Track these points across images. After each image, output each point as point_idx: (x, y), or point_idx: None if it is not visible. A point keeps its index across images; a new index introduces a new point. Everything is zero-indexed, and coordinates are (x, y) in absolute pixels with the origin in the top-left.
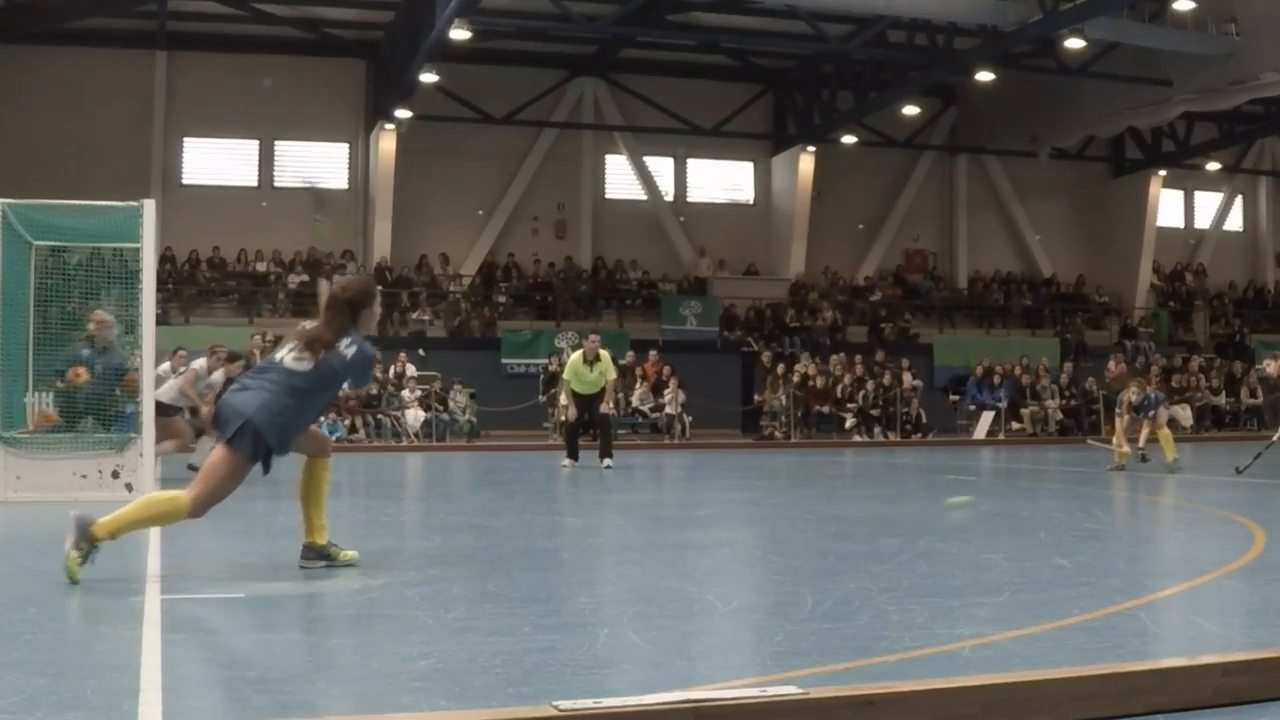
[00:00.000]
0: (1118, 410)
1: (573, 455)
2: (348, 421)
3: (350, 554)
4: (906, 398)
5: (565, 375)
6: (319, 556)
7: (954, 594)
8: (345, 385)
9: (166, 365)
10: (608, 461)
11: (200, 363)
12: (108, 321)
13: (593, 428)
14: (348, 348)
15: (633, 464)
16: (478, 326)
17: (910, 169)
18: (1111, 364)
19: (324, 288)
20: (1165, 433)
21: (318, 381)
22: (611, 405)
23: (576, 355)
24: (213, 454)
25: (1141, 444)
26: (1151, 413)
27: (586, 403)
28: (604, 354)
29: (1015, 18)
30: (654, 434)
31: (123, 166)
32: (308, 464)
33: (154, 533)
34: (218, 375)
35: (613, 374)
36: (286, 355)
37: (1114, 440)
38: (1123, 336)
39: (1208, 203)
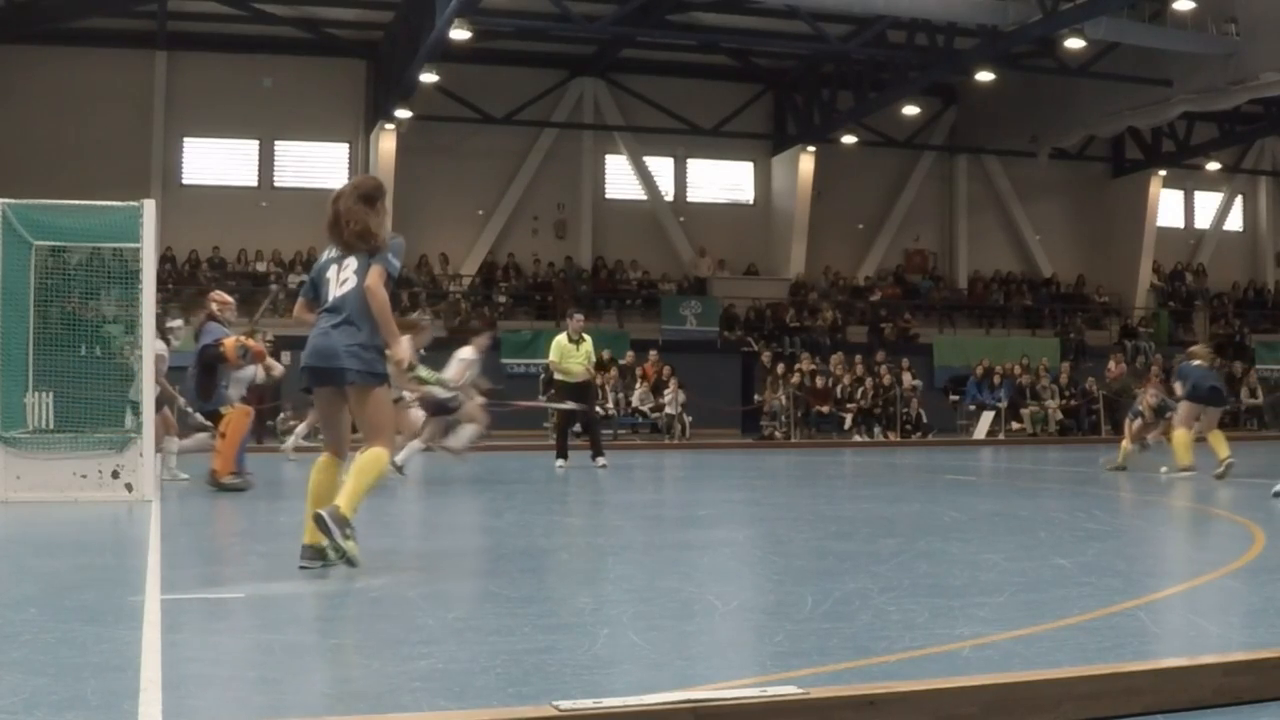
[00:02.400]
0: (1136, 414)
1: (563, 455)
2: None
3: (353, 547)
4: (906, 398)
5: (552, 356)
6: (317, 556)
7: (954, 594)
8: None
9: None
10: (601, 460)
11: (159, 345)
12: (229, 303)
13: (583, 425)
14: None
15: (633, 464)
16: (478, 327)
17: (910, 169)
18: (1111, 364)
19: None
20: (1180, 434)
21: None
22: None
23: (561, 335)
24: (371, 399)
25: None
26: (1169, 414)
27: (574, 394)
28: (586, 336)
29: (1015, 18)
30: (654, 434)
31: (123, 166)
32: (322, 461)
33: (154, 533)
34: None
35: (592, 357)
36: (336, 286)
37: (1122, 444)
38: (1123, 336)
39: (1208, 203)
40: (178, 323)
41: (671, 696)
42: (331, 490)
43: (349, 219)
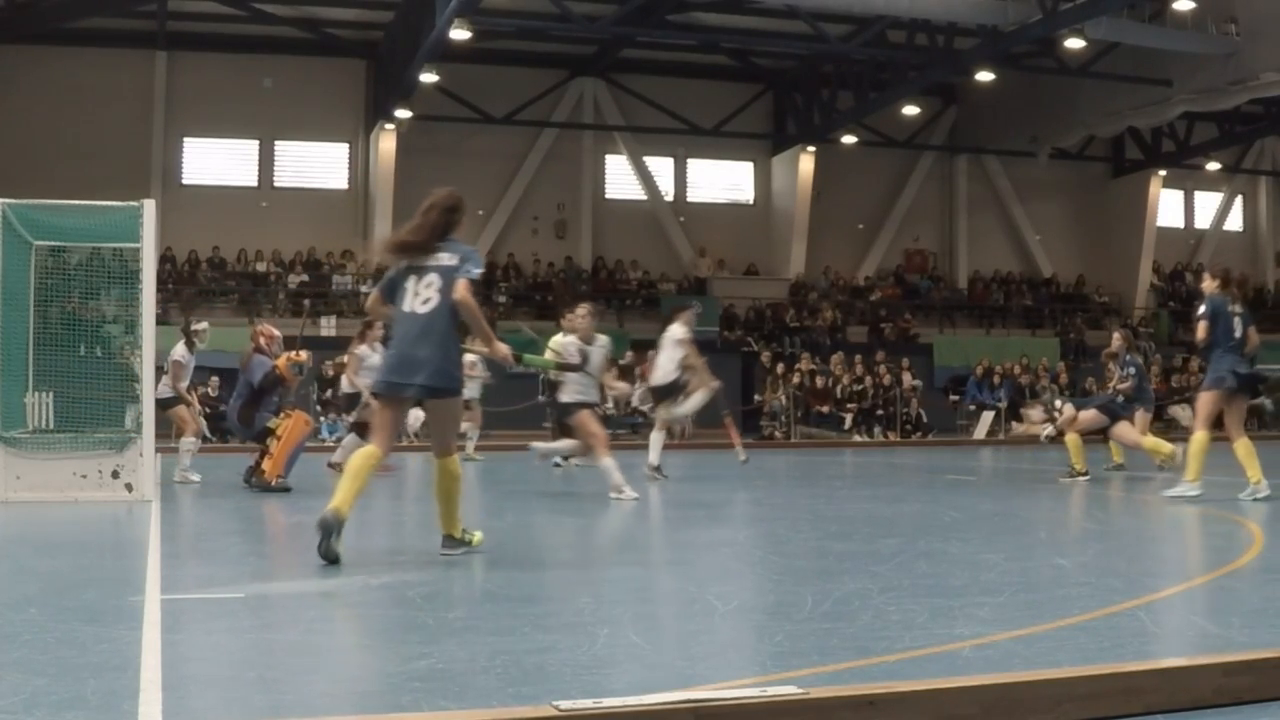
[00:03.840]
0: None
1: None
2: (347, 421)
3: (478, 536)
4: (906, 398)
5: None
6: (457, 544)
7: (954, 594)
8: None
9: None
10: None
11: (180, 349)
12: (275, 337)
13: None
14: (452, 250)
15: (633, 464)
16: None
17: (910, 169)
18: (1117, 335)
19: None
20: (1151, 441)
21: (452, 309)
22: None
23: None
24: (447, 410)
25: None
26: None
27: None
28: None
29: (1015, 18)
30: None
31: (123, 166)
32: (439, 463)
33: (154, 533)
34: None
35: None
36: (415, 301)
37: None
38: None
39: (1208, 203)
40: (202, 325)
41: (671, 696)
42: (455, 484)
43: (435, 226)
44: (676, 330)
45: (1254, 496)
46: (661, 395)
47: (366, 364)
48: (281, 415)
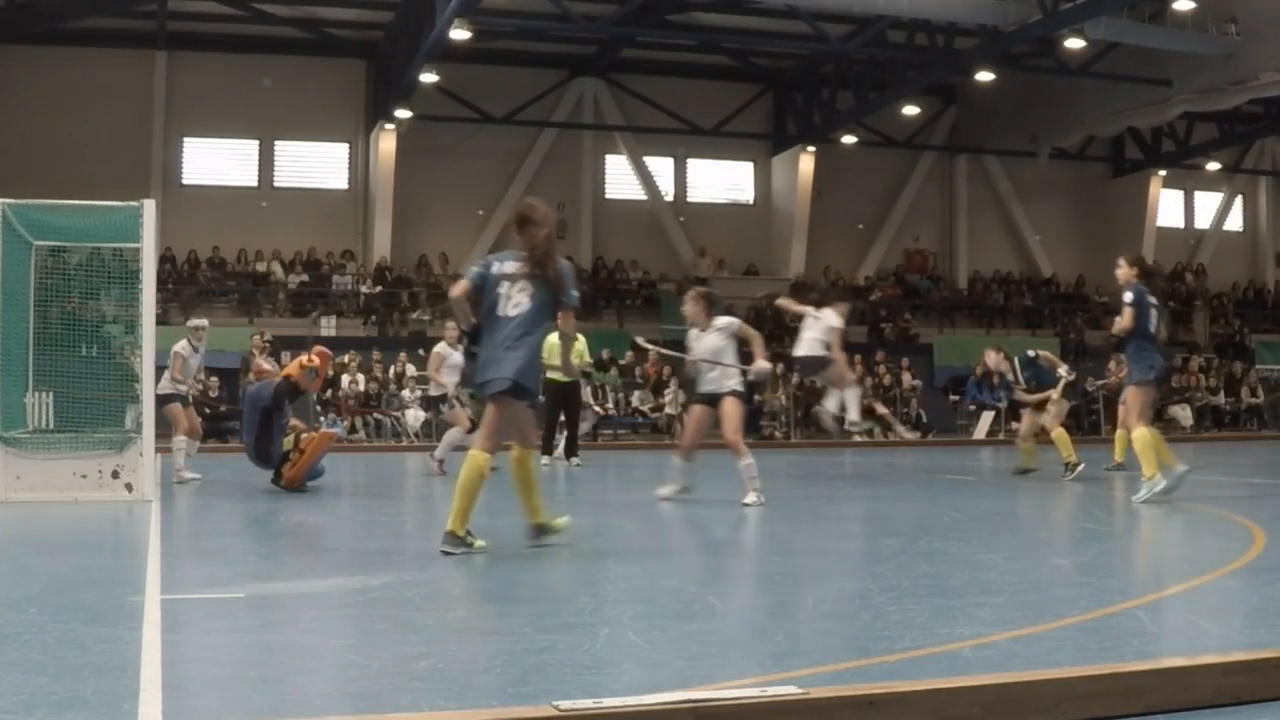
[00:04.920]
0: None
1: (548, 451)
2: (347, 421)
3: (562, 521)
4: (906, 398)
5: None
6: (541, 533)
7: (954, 594)
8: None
9: None
10: (575, 460)
11: (183, 345)
12: (267, 372)
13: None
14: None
15: (633, 464)
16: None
17: (910, 169)
18: (1113, 364)
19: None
20: (1059, 433)
21: (540, 315)
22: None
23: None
24: (519, 410)
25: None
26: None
27: (561, 394)
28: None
29: (1015, 18)
30: (654, 434)
31: (123, 166)
32: (515, 455)
33: (154, 533)
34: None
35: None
36: (508, 305)
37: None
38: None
39: (1208, 203)
40: (199, 322)
41: (671, 696)
42: (523, 477)
43: (546, 249)
44: (833, 318)
45: (1151, 492)
46: (810, 368)
47: (448, 363)
48: (293, 432)
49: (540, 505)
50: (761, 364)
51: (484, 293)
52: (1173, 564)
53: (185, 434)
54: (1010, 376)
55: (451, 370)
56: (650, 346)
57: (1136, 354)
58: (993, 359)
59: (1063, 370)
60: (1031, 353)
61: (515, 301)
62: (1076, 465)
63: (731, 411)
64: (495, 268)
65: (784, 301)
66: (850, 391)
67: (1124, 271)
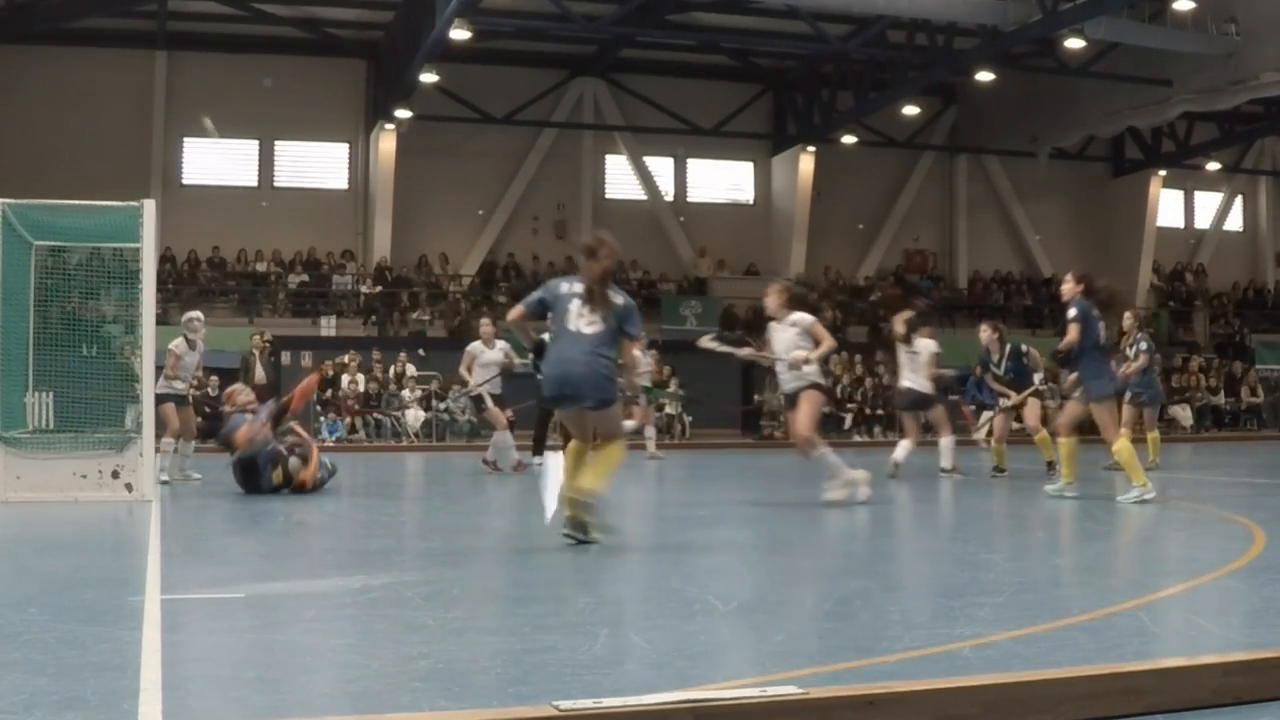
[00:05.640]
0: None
1: (540, 451)
2: (347, 421)
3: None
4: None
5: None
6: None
7: (954, 594)
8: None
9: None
10: (539, 459)
11: (179, 343)
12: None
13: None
14: (615, 295)
15: (632, 464)
16: (478, 327)
17: (910, 169)
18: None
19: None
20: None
21: (612, 339)
22: None
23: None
24: (609, 414)
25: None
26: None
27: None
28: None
29: (1015, 18)
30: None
31: (123, 166)
32: (574, 447)
33: (154, 533)
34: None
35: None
36: (579, 321)
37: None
38: (1122, 337)
39: (1208, 203)
40: (195, 314)
41: (671, 696)
42: (583, 466)
43: (601, 282)
44: (930, 344)
45: (1062, 494)
46: (913, 403)
47: (480, 361)
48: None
49: (598, 486)
50: (798, 353)
51: (552, 308)
52: (1173, 564)
53: (174, 435)
54: (995, 358)
55: (483, 369)
56: (713, 346)
57: (1090, 368)
58: (985, 335)
59: (1038, 378)
60: (1025, 347)
61: (589, 320)
62: (1055, 464)
63: (805, 407)
64: (564, 287)
65: (898, 319)
66: (947, 440)
67: (1069, 287)
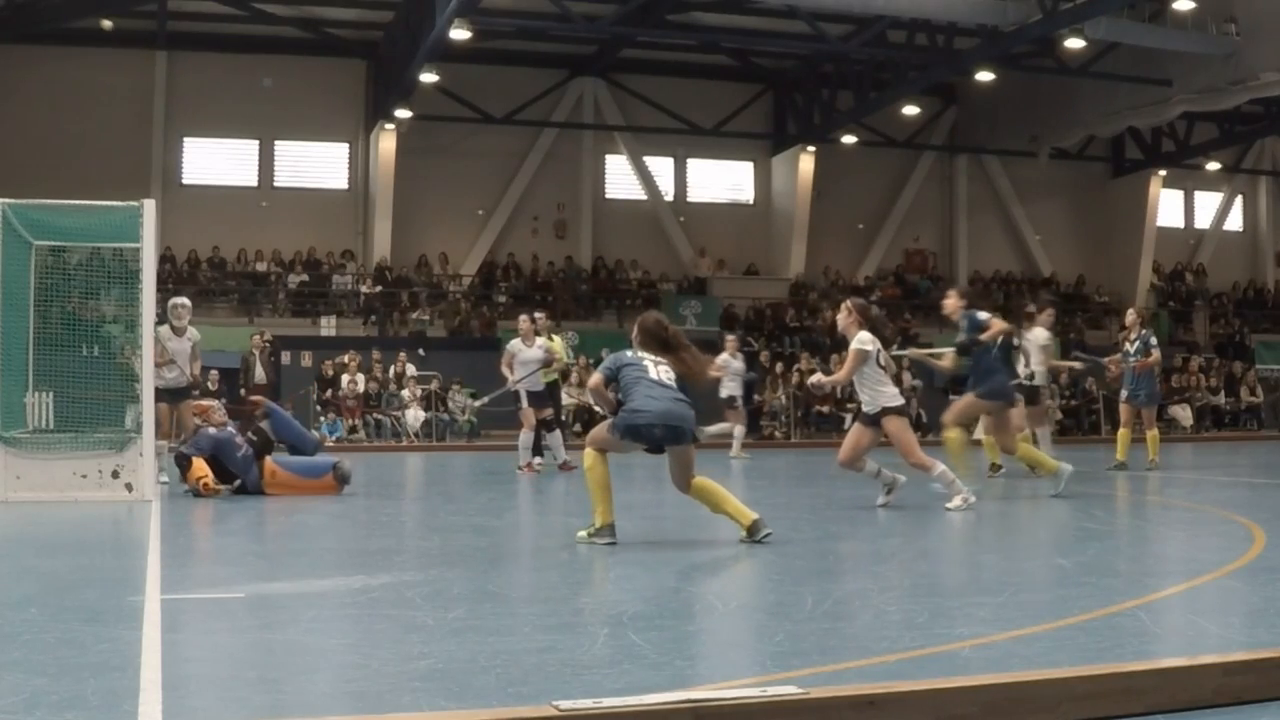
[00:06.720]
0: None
1: (538, 453)
2: (348, 422)
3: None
4: (906, 397)
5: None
6: (754, 531)
7: (954, 594)
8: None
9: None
10: (539, 459)
11: (164, 330)
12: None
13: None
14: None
15: (633, 464)
16: (477, 326)
17: (910, 169)
18: (1113, 366)
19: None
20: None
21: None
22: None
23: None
24: (692, 450)
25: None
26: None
27: (541, 396)
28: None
29: (1015, 18)
30: None
31: (123, 166)
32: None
33: (154, 533)
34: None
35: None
36: (660, 371)
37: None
38: (1122, 337)
39: (1208, 203)
40: (180, 299)
41: (671, 696)
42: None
43: (699, 373)
44: (1043, 335)
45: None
46: (1027, 397)
47: (519, 359)
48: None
49: (737, 509)
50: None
51: (622, 370)
52: (1173, 564)
53: (164, 437)
54: (963, 325)
55: (522, 365)
56: (906, 353)
57: (987, 372)
58: (949, 305)
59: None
60: (1016, 341)
61: (667, 373)
62: (999, 468)
63: (899, 435)
64: (630, 355)
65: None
66: (1045, 429)
67: (951, 303)
